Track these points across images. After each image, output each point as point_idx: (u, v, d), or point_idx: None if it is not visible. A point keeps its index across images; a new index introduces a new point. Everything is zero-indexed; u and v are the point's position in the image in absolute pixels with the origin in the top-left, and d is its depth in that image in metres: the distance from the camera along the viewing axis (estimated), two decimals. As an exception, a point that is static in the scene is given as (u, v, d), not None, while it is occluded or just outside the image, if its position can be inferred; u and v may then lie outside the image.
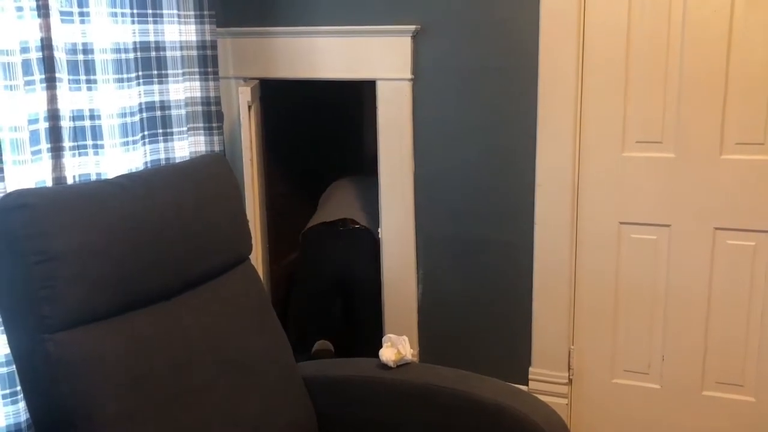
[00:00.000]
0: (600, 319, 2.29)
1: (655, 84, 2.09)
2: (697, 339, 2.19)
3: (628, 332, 2.27)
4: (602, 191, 2.20)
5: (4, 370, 1.59)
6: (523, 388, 2.31)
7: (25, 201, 1.32)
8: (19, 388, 1.59)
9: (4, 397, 1.61)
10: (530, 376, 2.36)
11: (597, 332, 2.30)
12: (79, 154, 1.81)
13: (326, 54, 2.35)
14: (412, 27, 2.26)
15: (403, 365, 1.71)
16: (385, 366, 1.71)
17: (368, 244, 2.66)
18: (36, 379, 1.32)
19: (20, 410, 1.62)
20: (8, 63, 1.56)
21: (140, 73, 1.97)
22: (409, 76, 2.30)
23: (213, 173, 1.70)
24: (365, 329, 2.63)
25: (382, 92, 2.34)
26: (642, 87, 2.10)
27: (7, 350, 1.48)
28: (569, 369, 2.33)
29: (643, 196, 2.17)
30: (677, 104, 2.08)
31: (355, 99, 3.17)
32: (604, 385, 2.32)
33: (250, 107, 2.36)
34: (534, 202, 2.25)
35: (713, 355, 2.18)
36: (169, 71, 2.05)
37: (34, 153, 1.65)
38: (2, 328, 1.47)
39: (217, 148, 2.20)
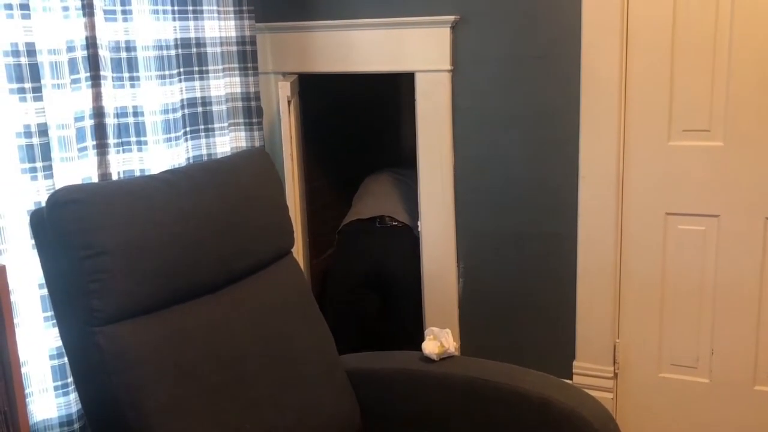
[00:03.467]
0: (646, 311, 2.25)
1: (702, 70, 2.04)
2: (749, 332, 2.14)
3: (676, 325, 2.23)
4: (648, 181, 2.17)
5: (55, 362, 1.64)
6: (567, 382, 2.27)
7: (74, 197, 1.35)
8: (70, 379, 1.63)
9: (56, 388, 1.65)
10: (574, 370, 2.34)
11: (643, 325, 2.27)
12: (123, 151, 1.85)
13: (364, 47, 2.35)
14: (451, 18, 2.25)
15: (446, 358, 1.72)
16: (428, 359, 1.71)
17: (407, 241, 2.60)
18: (87, 371, 1.36)
19: (71, 401, 1.67)
20: (56, 62, 1.60)
21: (181, 69, 2.00)
22: (448, 67, 2.29)
23: (255, 168, 1.73)
24: (405, 326, 2.59)
25: (421, 84, 2.34)
26: (689, 73, 2.06)
27: (59, 343, 1.53)
28: (614, 363, 2.31)
29: (691, 186, 2.13)
30: (726, 91, 2.03)
31: (393, 92, 3.17)
32: (650, 379, 2.29)
33: (289, 102, 2.37)
34: (577, 194, 2.22)
35: (766, 348, 2.13)
36: (210, 67, 2.08)
37: (80, 150, 1.69)
38: (54, 321, 1.50)
39: (257, 144, 2.23)
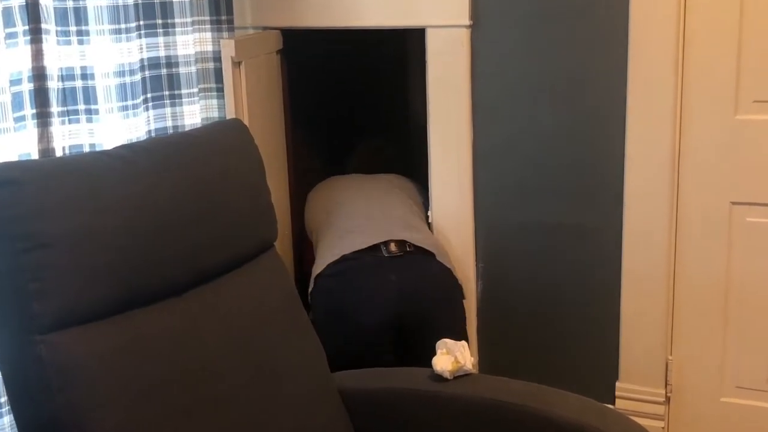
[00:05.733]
0: (706, 323, 2.26)
1: (778, 28, 2.05)
2: (831, 349, 2.16)
3: (742, 340, 2.24)
4: (710, 164, 2.17)
5: (-14, 378, 1.63)
6: (609, 407, 2.28)
7: (9, 176, 1.33)
8: (4, 398, 1.63)
9: (-13, 409, 1.65)
10: (617, 393, 2.36)
11: (702, 340, 2.27)
12: (70, 121, 1.84)
13: (364, -3, 2.35)
14: (471, -40, 2.26)
15: (461, 376, 1.71)
16: (439, 377, 1.71)
17: (438, 272, 2.27)
18: (25, 388, 1.35)
19: (5, 426, 1.67)
20: (-15, 12, 1.59)
21: (141, 22, 1.98)
22: (466, 22, 2.29)
23: (231, 143, 1.71)
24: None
25: (433, 43, 2.34)
26: (761, 32, 2.06)
27: (-9, 354, 1.52)
28: (667, 385, 2.32)
29: (763, 170, 2.13)
30: (807, 53, 2.04)
31: (399, 55, 3.15)
32: (710, 404, 2.30)
33: (239, 65, 2.24)
34: (623, 179, 2.23)
35: None
36: (176, 20, 2.06)
37: (17, 120, 1.68)
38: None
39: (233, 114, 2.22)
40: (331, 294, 2.24)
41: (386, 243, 2.25)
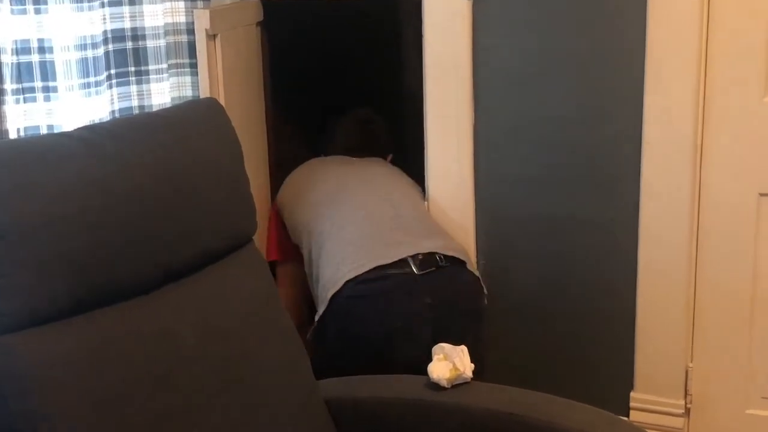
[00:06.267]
0: (730, 327, 2.26)
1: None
2: None
3: (770, 346, 2.24)
4: (736, 151, 2.17)
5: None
6: (623, 419, 2.26)
7: (-43, 160, 1.33)
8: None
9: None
10: (632, 404, 2.37)
11: (726, 346, 2.28)
12: (25, 100, 1.84)
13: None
14: None
15: (460, 385, 1.71)
16: (436, 386, 1.70)
17: (466, 290, 2.21)
18: (-26, 397, 1.34)
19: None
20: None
21: (105, -11, 1.99)
22: (468, -10, 2.29)
23: (205, 126, 1.70)
24: None
25: (431, 15, 2.33)
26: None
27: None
28: (686, 395, 2.32)
29: (795, 158, 2.14)
30: None
31: (392, 28, 3.14)
32: (735, 417, 2.31)
33: (214, 37, 2.25)
34: (639, 166, 2.23)
35: None
36: (144, -13, 2.07)
37: (-34, 98, 1.69)
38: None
39: (207, 93, 2.22)
40: (355, 319, 2.10)
41: (414, 256, 2.13)
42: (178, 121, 1.68)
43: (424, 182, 2.47)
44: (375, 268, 2.10)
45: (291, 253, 2.50)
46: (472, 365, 1.75)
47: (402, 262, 2.12)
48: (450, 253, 2.18)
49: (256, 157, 2.56)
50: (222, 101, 2.14)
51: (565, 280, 2.37)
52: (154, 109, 2.08)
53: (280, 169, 2.73)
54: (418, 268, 2.11)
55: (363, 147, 2.75)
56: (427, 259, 2.13)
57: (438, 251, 2.16)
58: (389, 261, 2.11)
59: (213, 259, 1.65)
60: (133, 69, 2.08)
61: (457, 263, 2.20)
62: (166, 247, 1.54)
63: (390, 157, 2.80)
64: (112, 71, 2.03)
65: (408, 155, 2.73)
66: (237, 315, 1.64)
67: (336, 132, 2.83)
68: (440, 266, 2.14)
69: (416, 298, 2.10)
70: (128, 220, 1.47)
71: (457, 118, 2.37)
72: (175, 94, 2.19)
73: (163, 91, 2.12)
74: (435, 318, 2.08)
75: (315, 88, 3.09)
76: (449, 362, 1.72)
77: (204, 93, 2.21)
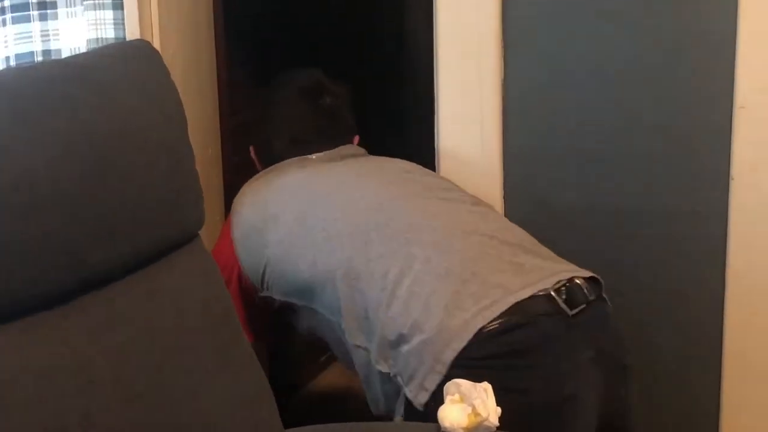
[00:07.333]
0: None
1: None
2: None
3: None
4: None
5: None
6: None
7: None
8: None
9: None
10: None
11: None
12: None
13: None
14: None
15: (481, 435, 1.69)
16: (449, 437, 1.69)
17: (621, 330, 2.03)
18: None
19: None
20: None
21: None
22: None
23: (134, 78, 1.70)
24: None
25: None
26: None
27: None
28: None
29: None
30: None
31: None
32: None
33: None
34: (730, 141, 2.22)
35: None
36: None
37: None
38: None
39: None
40: (501, 389, 1.76)
41: (558, 289, 1.89)
42: (98, 73, 1.67)
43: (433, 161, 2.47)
44: (512, 307, 1.85)
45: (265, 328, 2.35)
46: (498, 409, 1.66)
47: (545, 299, 1.88)
48: (586, 275, 1.97)
49: (205, 123, 2.56)
50: (157, 45, 2.20)
51: (624, 290, 2.26)
52: (64, 56, 2.10)
53: (236, 140, 2.74)
54: (569, 305, 1.88)
55: (319, 134, 2.47)
56: (574, 291, 1.90)
57: (576, 275, 1.95)
58: (527, 295, 1.87)
59: (146, 260, 1.67)
60: (35, 2, 2.12)
61: (598, 292, 1.98)
62: (82, 245, 1.53)
63: (357, 139, 2.57)
64: (6, 3, 2.08)
65: (387, 130, 2.74)
66: (174, 336, 1.66)
67: (275, 114, 2.54)
68: (589, 301, 1.92)
69: (577, 353, 1.89)
70: (31, 209, 1.45)
71: (479, 74, 2.38)
72: (93, 35, 2.18)
73: (76, 31, 2.12)
74: (604, 378, 1.90)
75: (284, 32, 3.18)
76: (467, 405, 1.67)
77: (132, 34, 2.21)
